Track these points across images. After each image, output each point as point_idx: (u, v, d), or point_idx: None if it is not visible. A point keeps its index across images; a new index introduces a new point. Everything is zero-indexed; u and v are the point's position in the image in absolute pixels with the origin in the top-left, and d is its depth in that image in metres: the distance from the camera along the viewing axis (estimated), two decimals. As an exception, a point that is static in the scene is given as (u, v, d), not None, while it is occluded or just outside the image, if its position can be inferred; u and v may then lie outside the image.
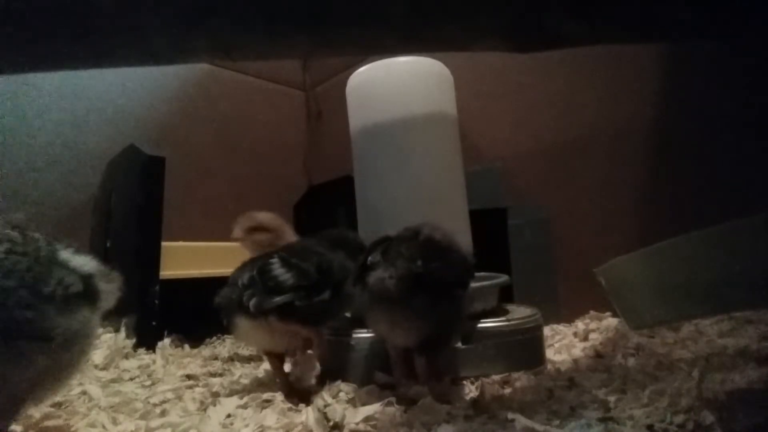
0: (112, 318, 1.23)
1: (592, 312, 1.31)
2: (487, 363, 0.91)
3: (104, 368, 1.05)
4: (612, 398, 0.73)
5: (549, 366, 0.95)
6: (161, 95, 1.88)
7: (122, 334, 1.19)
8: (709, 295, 0.56)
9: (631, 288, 0.65)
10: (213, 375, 1.05)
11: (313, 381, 0.89)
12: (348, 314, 1.05)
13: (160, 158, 1.33)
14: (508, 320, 0.98)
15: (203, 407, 0.81)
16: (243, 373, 1.04)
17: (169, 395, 0.88)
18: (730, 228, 0.54)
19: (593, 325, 1.23)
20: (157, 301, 1.24)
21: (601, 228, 1.39)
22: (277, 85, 2.29)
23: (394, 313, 0.75)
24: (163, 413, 0.79)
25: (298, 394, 0.84)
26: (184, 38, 0.82)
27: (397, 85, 1.15)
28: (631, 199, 1.36)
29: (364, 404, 0.76)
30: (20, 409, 0.60)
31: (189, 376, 1.02)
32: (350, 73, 1.23)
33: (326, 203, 1.92)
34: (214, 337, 1.37)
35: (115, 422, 0.74)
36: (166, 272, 1.30)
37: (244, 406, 0.80)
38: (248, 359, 1.16)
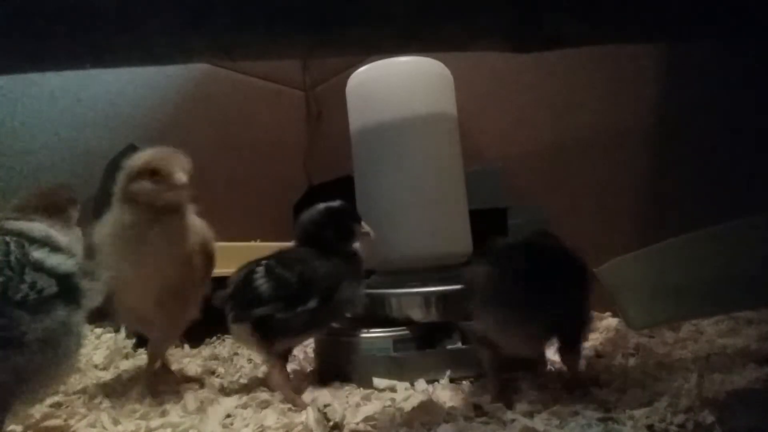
0: (112, 318, 1.23)
1: (592, 312, 1.31)
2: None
3: (104, 368, 1.05)
4: (612, 398, 0.73)
5: (549, 366, 0.95)
6: (161, 95, 1.88)
7: (122, 334, 1.19)
8: (709, 295, 0.56)
9: (631, 288, 0.66)
10: (213, 375, 1.05)
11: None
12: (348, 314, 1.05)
13: (160, 158, 1.32)
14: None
15: (203, 407, 0.81)
16: (243, 373, 1.04)
17: (169, 395, 0.88)
18: (730, 228, 0.54)
19: (593, 325, 1.23)
20: (156, 301, 1.24)
21: (601, 228, 1.39)
22: (277, 85, 2.29)
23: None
24: (163, 413, 0.79)
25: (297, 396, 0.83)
26: (184, 38, 0.82)
27: (397, 85, 1.15)
28: (631, 199, 1.36)
29: (364, 404, 0.76)
30: (8, 411, 0.59)
31: (189, 376, 1.02)
32: (350, 73, 1.23)
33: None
34: (214, 337, 1.37)
35: (115, 422, 0.74)
36: (166, 272, 1.29)
37: (244, 406, 0.80)
38: (248, 359, 1.16)
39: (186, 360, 1.16)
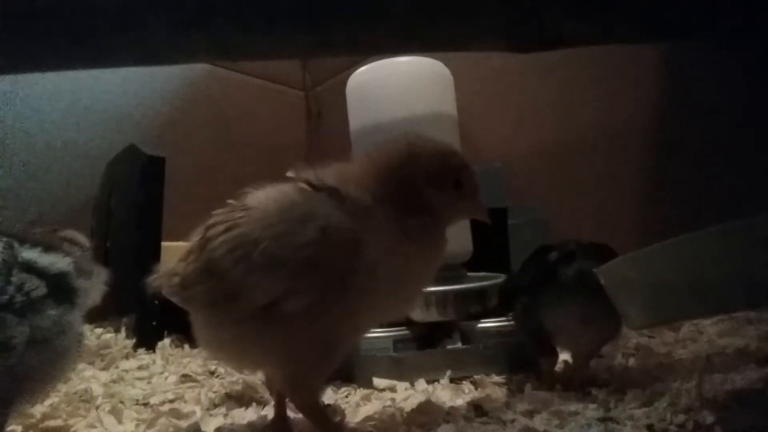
0: (112, 318, 1.23)
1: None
2: (487, 363, 0.91)
3: (104, 368, 1.05)
4: (612, 398, 0.73)
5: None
6: (161, 95, 1.88)
7: (122, 334, 1.19)
8: (709, 295, 0.56)
9: (631, 288, 0.65)
10: (213, 375, 1.05)
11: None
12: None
13: (160, 158, 1.32)
14: (508, 320, 0.98)
15: (203, 407, 0.81)
16: (243, 373, 1.04)
17: (169, 395, 0.88)
18: (730, 228, 0.53)
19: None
20: (157, 301, 1.24)
21: (601, 228, 1.39)
22: (277, 85, 2.29)
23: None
24: (163, 413, 0.79)
25: None
26: (184, 38, 0.82)
27: (397, 85, 1.15)
28: (631, 199, 1.36)
29: (364, 404, 0.76)
30: (8, 412, 0.59)
31: (189, 376, 1.02)
32: (350, 73, 1.23)
33: (326, 203, 1.92)
34: (214, 337, 1.37)
35: (115, 422, 0.74)
36: (166, 272, 1.29)
37: (244, 407, 0.80)
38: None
39: (186, 360, 1.16)
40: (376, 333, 0.98)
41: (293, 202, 0.60)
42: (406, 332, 0.98)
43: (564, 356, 0.88)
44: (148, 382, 0.98)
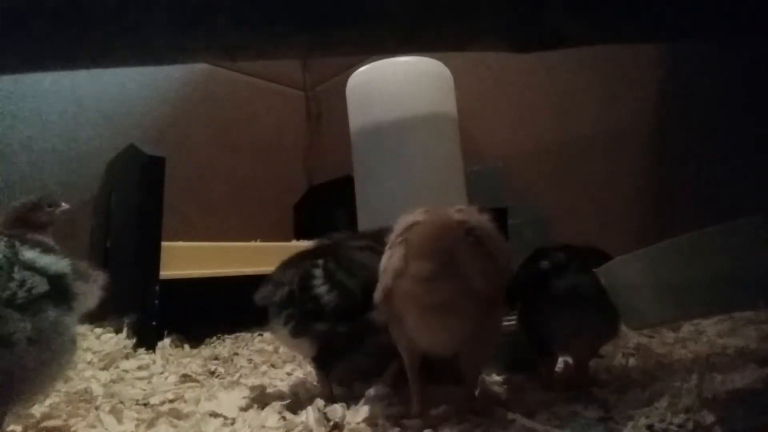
0: (112, 318, 1.23)
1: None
2: (487, 363, 0.91)
3: (104, 368, 1.05)
4: (612, 398, 0.73)
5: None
6: (161, 95, 1.88)
7: (122, 334, 1.19)
8: (709, 295, 0.56)
9: (631, 288, 0.65)
10: (213, 375, 1.05)
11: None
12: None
13: (160, 158, 1.33)
14: (508, 320, 0.98)
15: (203, 407, 0.81)
16: (243, 373, 1.04)
17: (169, 395, 0.88)
18: (730, 228, 0.54)
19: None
20: (157, 301, 1.24)
21: (601, 228, 1.39)
22: (277, 85, 2.29)
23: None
24: (163, 413, 0.79)
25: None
26: (184, 38, 0.83)
27: (397, 85, 1.15)
28: (631, 199, 1.36)
29: (364, 404, 0.76)
30: (4, 410, 0.59)
31: (189, 376, 1.02)
32: (350, 73, 1.23)
33: (326, 203, 1.92)
34: (214, 337, 1.37)
35: (115, 422, 0.74)
36: (166, 272, 1.29)
37: (244, 407, 0.80)
38: (248, 359, 1.16)
39: (186, 360, 1.16)
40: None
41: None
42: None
43: (564, 356, 0.88)
44: (148, 382, 0.98)
